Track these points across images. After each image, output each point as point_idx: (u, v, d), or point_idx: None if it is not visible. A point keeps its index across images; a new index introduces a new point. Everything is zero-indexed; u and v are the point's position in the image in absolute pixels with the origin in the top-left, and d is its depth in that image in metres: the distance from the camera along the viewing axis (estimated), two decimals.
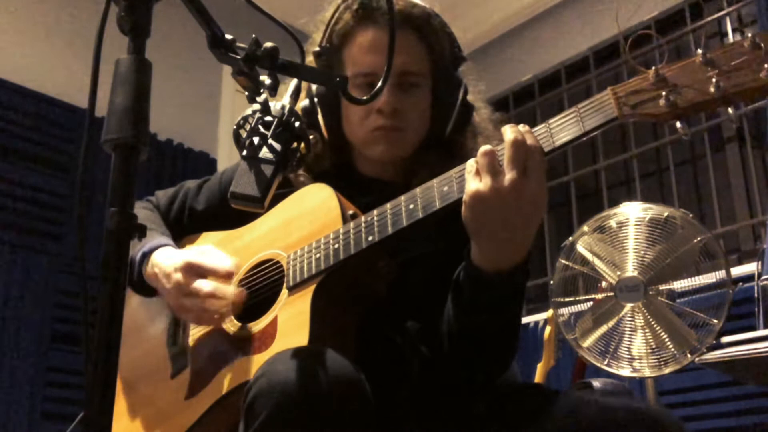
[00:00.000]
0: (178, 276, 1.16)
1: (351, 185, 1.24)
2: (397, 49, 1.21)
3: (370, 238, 1.06)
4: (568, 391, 1.10)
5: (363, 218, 1.09)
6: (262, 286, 1.20)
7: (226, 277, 1.16)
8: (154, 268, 1.21)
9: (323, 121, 1.28)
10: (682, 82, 0.91)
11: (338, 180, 1.24)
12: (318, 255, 1.10)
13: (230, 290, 1.15)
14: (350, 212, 1.13)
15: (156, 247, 1.25)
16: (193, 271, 1.16)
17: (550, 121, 0.99)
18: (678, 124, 0.92)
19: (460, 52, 1.30)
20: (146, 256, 1.24)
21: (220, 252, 1.21)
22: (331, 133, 1.28)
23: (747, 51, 0.88)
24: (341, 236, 1.09)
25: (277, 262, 1.18)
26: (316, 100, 1.28)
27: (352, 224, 1.09)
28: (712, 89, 0.88)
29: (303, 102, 1.29)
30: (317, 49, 1.26)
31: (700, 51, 0.90)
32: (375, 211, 1.08)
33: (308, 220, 1.17)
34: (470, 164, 0.98)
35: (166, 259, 1.20)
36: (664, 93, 0.91)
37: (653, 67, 0.92)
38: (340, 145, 1.30)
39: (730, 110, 0.90)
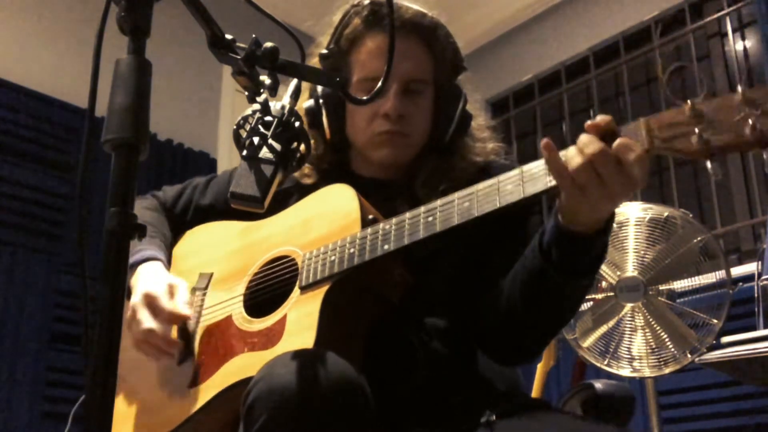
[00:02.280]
0: (136, 300, 1.18)
1: (347, 183, 1.24)
2: (404, 56, 1.22)
3: (385, 247, 1.06)
4: (579, 419, 1.10)
5: (381, 225, 1.09)
6: (275, 283, 1.20)
7: (171, 321, 1.18)
8: (135, 281, 1.23)
9: (327, 122, 1.29)
10: (717, 119, 0.86)
11: (334, 178, 1.25)
12: (333, 257, 1.10)
13: (163, 339, 1.15)
14: (370, 216, 1.13)
15: (144, 260, 1.27)
16: (148, 302, 1.17)
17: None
18: (709, 164, 0.88)
19: (461, 62, 1.32)
20: (133, 267, 1.26)
21: (185, 294, 1.21)
22: (334, 134, 1.29)
23: None
24: (357, 241, 1.09)
25: (293, 259, 1.19)
26: (321, 101, 1.29)
27: (369, 230, 1.09)
28: (747, 131, 0.84)
29: (307, 102, 1.30)
30: (324, 51, 1.26)
31: (740, 88, 0.85)
32: (393, 220, 1.08)
33: (328, 220, 1.18)
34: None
35: (143, 278, 1.22)
36: (697, 130, 0.87)
37: (689, 100, 0.88)
38: (341, 147, 1.32)
39: (765, 155, 0.85)
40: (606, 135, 0.92)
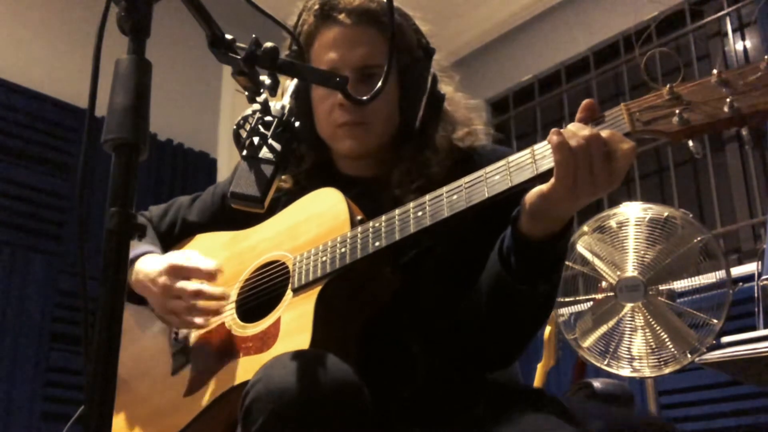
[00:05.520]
0: (164, 279, 1.18)
1: (331, 184, 1.24)
2: (355, 44, 1.23)
3: (377, 244, 1.06)
4: (569, 398, 1.10)
5: (371, 223, 1.09)
6: (267, 287, 1.20)
7: (210, 277, 1.19)
8: (139, 275, 1.23)
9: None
10: (695, 101, 0.90)
11: (318, 179, 1.25)
12: (324, 258, 1.10)
13: (215, 289, 1.18)
14: (359, 217, 1.14)
15: (139, 255, 1.27)
16: (177, 272, 1.19)
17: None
18: (690, 143, 0.92)
19: (428, 44, 1.30)
20: (131, 263, 1.26)
21: (201, 256, 1.24)
22: (305, 131, 1.27)
23: (762, 72, 0.87)
24: (348, 240, 1.09)
25: (283, 263, 1.19)
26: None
27: (359, 229, 1.09)
28: (726, 109, 0.88)
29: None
30: (287, 52, 1.26)
31: (715, 71, 0.89)
32: (383, 217, 1.08)
33: (316, 223, 1.17)
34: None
35: (150, 265, 1.23)
36: (677, 111, 0.90)
37: (668, 85, 0.92)
38: (318, 144, 1.31)
39: (743, 131, 0.90)
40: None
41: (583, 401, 1.12)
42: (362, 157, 1.28)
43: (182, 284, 1.17)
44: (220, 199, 1.38)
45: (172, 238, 1.43)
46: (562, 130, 0.94)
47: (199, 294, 1.16)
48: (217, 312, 1.19)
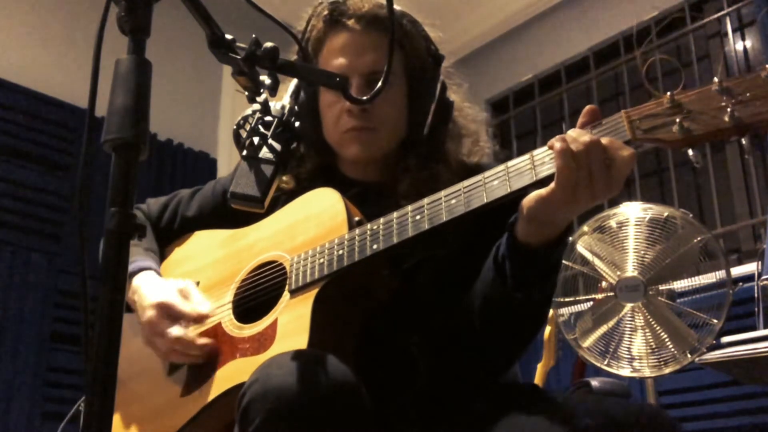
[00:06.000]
0: (152, 314, 1.18)
1: (332, 185, 1.23)
2: (363, 50, 1.23)
3: (374, 247, 1.06)
4: (568, 394, 1.09)
5: (369, 226, 1.09)
6: (264, 288, 1.20)
7: (198, 321, 1.20)
8: (134, 295, 1.24)
9: (302, 127, 1.28)
10: (696, 109, 0.89)
11: (320, 180, 1.25)
12: (322, 260, 1.10)
13: (196, 341, 1.17)
14: (356, 218, 1.13)
15: (137, 271, 1.27)
16: (165, 312, 1.19)
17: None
18: (690, 152, 0.91)
19: (437, 50, 1.30)
20: (130, 276, 1.25)
21: (198, 294, 1.23)
22: (311, 136, 1.28)
23: (763, 81, 0.87)
24: (346, 243, 1.09)
25: (281, 264, 1.19)
26: (296, 106, 1.28)
27: (357, 231, 1.09)
28: (726, 118, 0.87)
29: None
30: (294, 58, 1.26)
31: (716, 79, 0.89)
32: (381, 220, 1.08)
33: (314, 223, 1.17)
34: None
35: (145, 290, 1.23)
36: (678, 119, 0.90)
37: (668, 93, 0.91)
38: (323, 148, 1.31)
39: (743, 140, 0.89)
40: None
41: (582, 397, 1.12)
42: (368, 162, 1.28)
43: (168, 329, 1.17)
44: (220, 195, 1.38)
45: (171, 233, 1.43)
46: (564, 136, 0.94)
47: (179, 341, 1.16)
48: (194, 358, 1.18)
